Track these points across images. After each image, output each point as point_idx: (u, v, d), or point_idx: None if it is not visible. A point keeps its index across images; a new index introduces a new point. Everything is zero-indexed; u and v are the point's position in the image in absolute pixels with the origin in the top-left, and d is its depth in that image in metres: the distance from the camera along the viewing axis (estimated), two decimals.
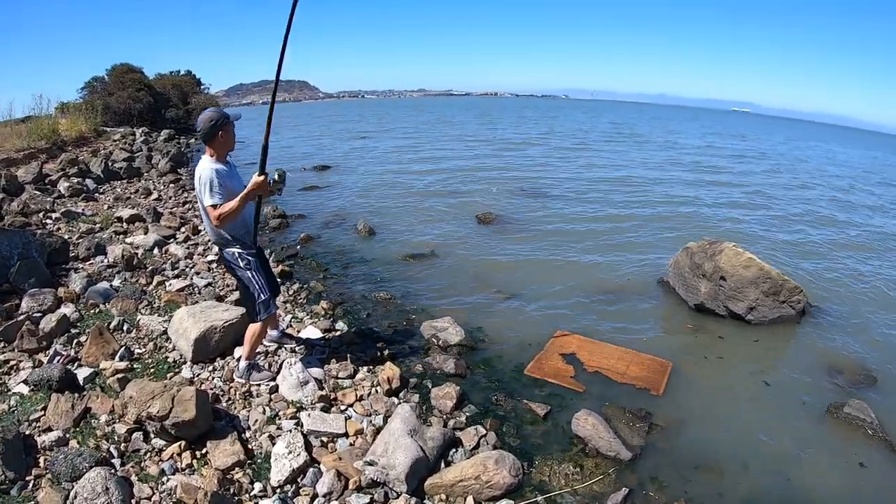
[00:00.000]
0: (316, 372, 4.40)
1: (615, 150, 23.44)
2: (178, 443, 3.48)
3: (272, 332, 4.68)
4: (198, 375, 4.35)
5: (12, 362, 4.38)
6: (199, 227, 8.84)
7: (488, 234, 9.57)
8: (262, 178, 3.49)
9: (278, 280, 5.28)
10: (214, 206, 3.47)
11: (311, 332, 5.14)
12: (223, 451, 3.43)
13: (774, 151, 29.34)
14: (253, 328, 4.06)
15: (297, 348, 4.85)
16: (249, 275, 3.85)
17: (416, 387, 4.47)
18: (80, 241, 7.24)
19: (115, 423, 3.70)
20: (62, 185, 10.19)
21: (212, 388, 4.15)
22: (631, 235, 9.75)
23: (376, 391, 4.29)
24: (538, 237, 9.44)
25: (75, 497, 3.04)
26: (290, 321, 5.44)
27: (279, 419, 3.87)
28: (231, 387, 4.20)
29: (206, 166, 3.52)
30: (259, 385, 4.18)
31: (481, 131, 32.10)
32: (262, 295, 3.89)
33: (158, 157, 16.41)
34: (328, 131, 31.83)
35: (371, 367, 4.67)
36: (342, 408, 4.07)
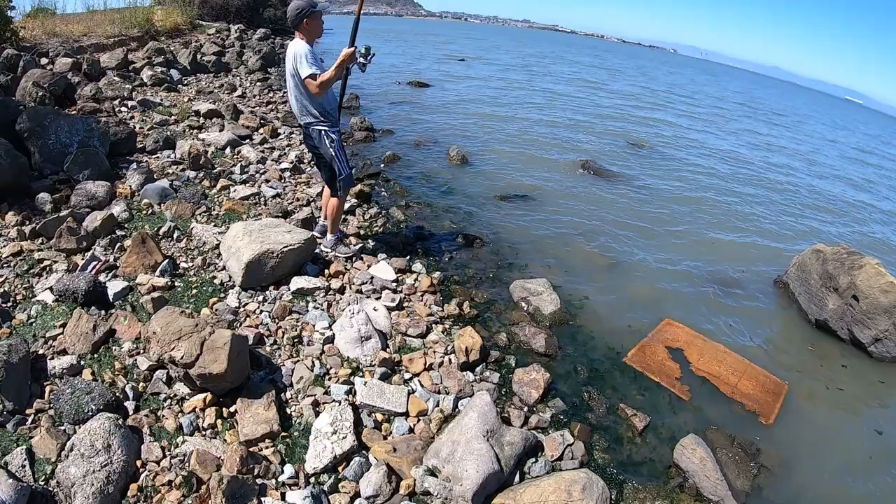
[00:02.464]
0: (382, 322, 3.59)
1: (745, 126, 19.57)
2: (204, 395, 2.80)
3: (330, 237, 4.48)
4: (244, 306, 3.65)
5: (46, 262, 3.84)
6: (279, 130, 8.15)
7: (593, 186, 8.29)
8: (351, 49, 3.71)
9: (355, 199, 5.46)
10: (314, 76, 3.62)
11: (383, 269, 4.30)
12: (254, 416, 2.71)
13: None
14: (333, 202, 4.28)
15: (363, 288, 4.04)
16: (333, 152, 4.00)
17: (496, 362, 3.60)
18: (151, 132, 6.70)
19: (138, 354, 3.07)
20: (145, 74, 9.73)
21: (256, 326, 3.44)
22: (753, 219, 8.17)
23: (450, 361, 3.42)
24: (648, 199, 8.06)
25: (71, 450, 2.43)
26: (361, 253, 4.61)
27: (329, 379, 3.11)
28: (279, 326, 3.47)
29: (300, 44, 3.67)
30: (345, 261, 4.38)
31: (596, 74, 28.86)
32: (343, 171, 4.07)
33: (250, 54, 15.82)
34: (428, 50, 29.80)
35: (447, 326, 3.81)
36: (406, 376, 3.25)
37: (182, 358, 2.66)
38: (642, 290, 5.18)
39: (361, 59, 3.83)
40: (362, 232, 5.13)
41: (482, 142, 9.90)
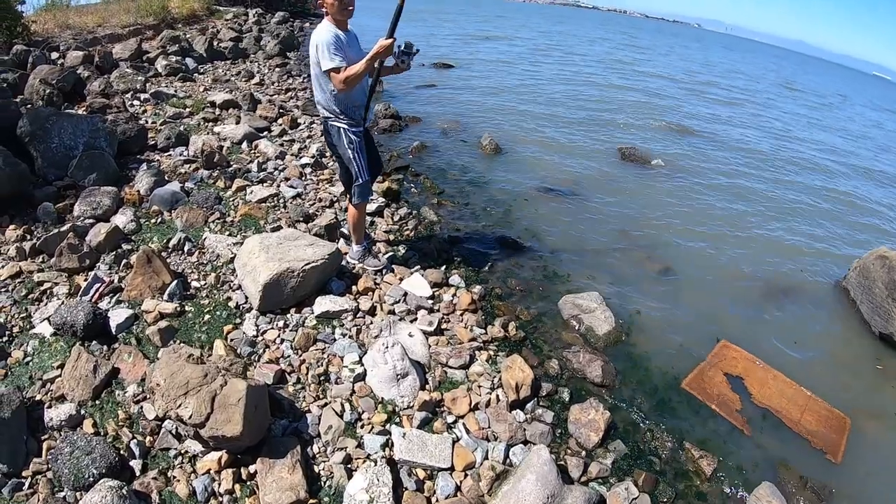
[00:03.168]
0: (419, 352, 3.16)
1: (789, 109, 18.00)
2: (219, 454, 2.40)
3: (356, 248, 4.09)
4: (262, 334, 3.24)
5: (47, 285, 3.49)
6: (299, 120, 7.70)
7: (635, 177, 7.66)
8: (389, 41, 3.12)
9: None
10: (337, 70, 3.15)
11: (418, 283, 3.85)
12: (277, 481, 2.31)
13: None
14: (352, 212, 3.89)
15: (396, 308, 3.60)
16: (351, 154, 3.57)
17: (548, 396, 3.15)
18: (163, 127, 6.30)
19: (144, 398, 2.70)
20: (159, 64, 9.34)
21: (276, 360, 3.04)
22: (809, 216, 7.42)
23: (497, 398, 2.97)
24: (693, 193, 7.37)
25: None
26: (391, 264, 4.15)
27: (362, 427, 2.69)
28: (302, 360, 3.06)
29: (324, 30, 3.21)
30: (374, 275, 3.97)
31: (627, 53, 27.29)
32: (360, 178, 3.64)
33: (268, 38, 15.32)
34: (450, 29, 28.48)
35: (491, 353, 3.35)
36: (449, 420, 2.81)
37: (191, 418, 2.26)
38: (696, 299, 4.66)
39: (402, 55, 3.28)
40: (392, 237, 4.67)
41: (513, 128, 9.28)
